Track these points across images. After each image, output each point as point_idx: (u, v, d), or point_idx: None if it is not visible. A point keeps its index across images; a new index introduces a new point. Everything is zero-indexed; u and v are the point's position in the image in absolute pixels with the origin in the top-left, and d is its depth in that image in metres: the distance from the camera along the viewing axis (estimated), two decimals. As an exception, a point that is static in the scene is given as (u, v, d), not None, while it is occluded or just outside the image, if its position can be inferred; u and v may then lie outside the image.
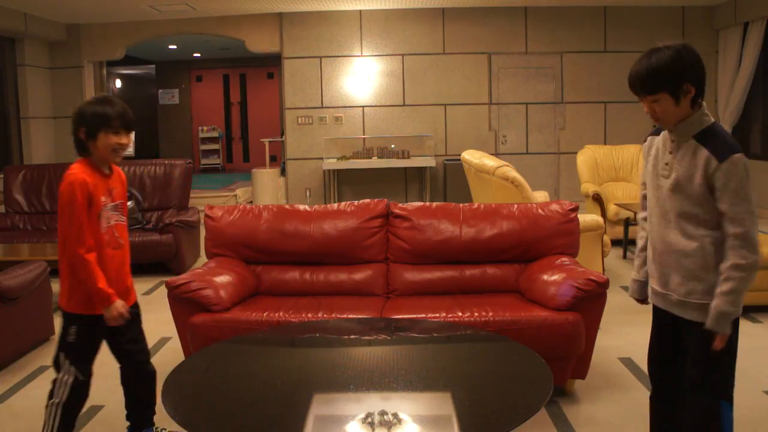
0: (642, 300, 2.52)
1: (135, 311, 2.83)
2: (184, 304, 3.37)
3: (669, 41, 2.17)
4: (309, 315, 3.34)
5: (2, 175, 7.40)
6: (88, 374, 2.71)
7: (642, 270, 2.48)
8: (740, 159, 2.09)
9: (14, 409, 3.44)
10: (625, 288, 5.50)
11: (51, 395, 2.66)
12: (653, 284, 2.39)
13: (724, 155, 2.09)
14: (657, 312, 2.44)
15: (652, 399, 2.52)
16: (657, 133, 2.35)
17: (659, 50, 2.14)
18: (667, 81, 2.11)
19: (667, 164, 2.23)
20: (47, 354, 4.25)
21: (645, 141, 2.40)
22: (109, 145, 2.59)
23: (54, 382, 2.67)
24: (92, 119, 2.57)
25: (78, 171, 2.58)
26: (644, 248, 2.45)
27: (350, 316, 3.33)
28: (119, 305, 2.62)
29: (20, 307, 4.12)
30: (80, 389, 2.66)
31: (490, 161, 5.38)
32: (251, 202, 9.79)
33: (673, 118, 2.17)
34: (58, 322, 4.64)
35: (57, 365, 2.68)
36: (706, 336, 2.16)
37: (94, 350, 2.75)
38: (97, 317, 2.65)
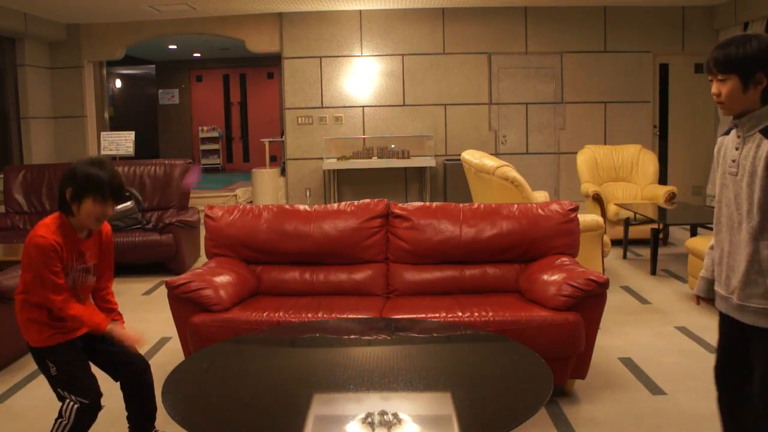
0: (708, 299, 2.44)
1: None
2: (184, 304, 3.37)
3: (758, 33, 2.15)
4: (309, 315, 3.34)
5: (2, 175, 7.40)
6: (92, 396, 2.62)
7: (710, 269, 2.41)
8: None
9: (14, 409, 3.44)
10: (626, 288, 5.50)
11: (60, 415, 2.63)
12: (717, 287, 2.33)
13: None
14: (720, 316, 2.36)
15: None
16: (728, 133, 2.28)
17: (746, 37, 2.11)
18: (741, 65, 2.08)
19: (734, 161, 2.16)
20: (47, 354, 4.25)
21: (716, 145, 2.34)
22: (92, 213, 2.50)
23: (61, 409, 2.63)
24: (83, 182, 2.47)
25: (49, 232, 2.47)
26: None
27: (350, 316, 3.33)
28: (114, 326, 2.65)
29: (20, 307, 4.12)
30: (86, 412, 2.61)
31: (490, 161, 5.38)
32: (251, 202, 9.79)
33: (737, 104, 2.13)
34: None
35: (59, 397, 2.65)
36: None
37: (84, 372, 2.65)
38: (65, 343, 2.62)
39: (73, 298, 2.57)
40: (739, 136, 2.17)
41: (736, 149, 2.16)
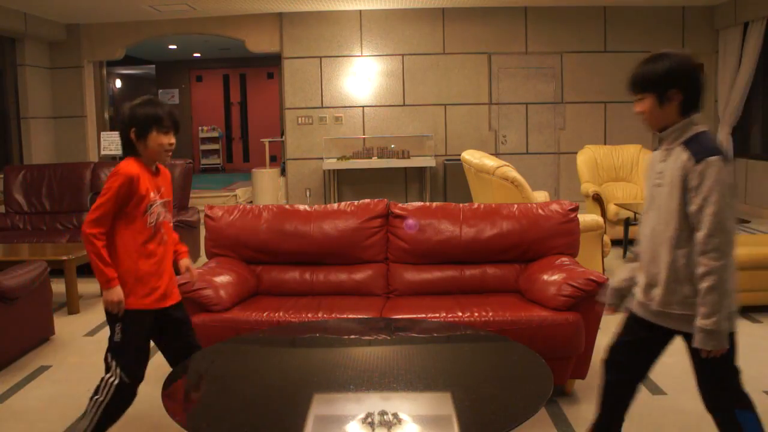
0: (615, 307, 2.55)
1: (179, 314, 2.80)
2: (184, 304, 3.37)
3: (673, 50, 2.24)
4: (309, 315, 3.34)
5: (2, 175, 7.40)
6: (135, 377, 2.67)
7: (623, 279, 2.52)
8: (716, 161, 2.09)
9: (14, 409, 3.44)
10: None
11: (96, 391, 2.65)
12: (637, 293, 2.41)
13: (700, 156, 2.11)
14: (630, 314, 2.48)
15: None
16: (658, 148, 2.37)
17: (659, 56, 2.23)
18: (655, 84, 2.20)
19: (660, 173, 2.26)
20: (47, 354, 4.25)
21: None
22: (160, 144, 2.64)
23: (101, 380, 2.66)
24: (143, 119, 2.61)
25: (126, 166, 2.60)
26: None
27: (350, 316, 3.33)
28: (120, 291, 2.59)
29: (20, 307, 4.12)
30: (124, 392, 2.64)
31: (490, 161, 5.38)
32: (251, 202, 9.79)
33: (656, 120, 2.24)
34: (59, 322, 4.66)
35: (106, 365, 2.67)
36: (695, 351, 2.21)
37: (142, 353, 2.70)
38: (145, 312, 2.65)
39: (152, 242, 2.67)
40: (664, 149, 2.26)
41: (662, 161, 2.26)
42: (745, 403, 2.29)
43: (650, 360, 2.48)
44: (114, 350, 2.65)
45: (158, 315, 2.72)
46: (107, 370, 2.66)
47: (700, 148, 2.13)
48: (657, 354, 2.46)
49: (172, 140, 2.68)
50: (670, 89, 2.17)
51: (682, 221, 2.16)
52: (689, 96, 2.18)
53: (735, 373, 2.30)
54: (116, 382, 2.63)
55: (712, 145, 2.13)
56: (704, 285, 2.11)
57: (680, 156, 2.16)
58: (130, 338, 2.65)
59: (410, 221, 3.55)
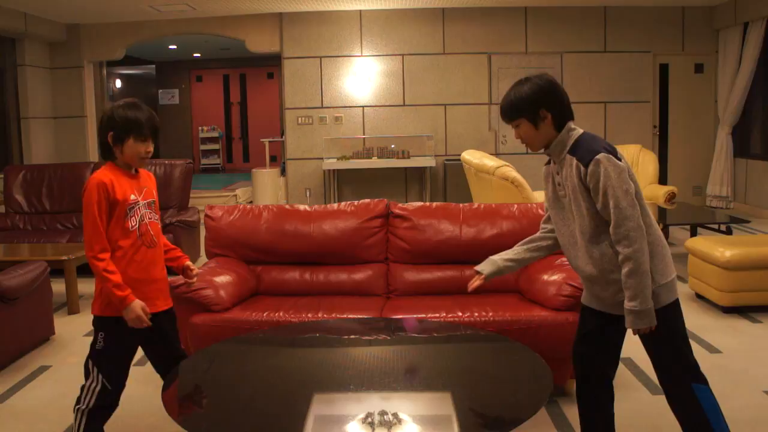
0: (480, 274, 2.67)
1: (165, 323, 2.73)
2: (184, 304, 3.37)
3: (531, 74, 2.39)
4: (309, 315, 3.34)
5: (2, 175, 7.40)
6: (117, 383, 2.63)
7: (508, 259, 2.70)
8: (602, 158, 2.20)
9: (14, 409, 3.44)
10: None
11: (78, 401, 2.61)
12: (588, 302, 2.51)
13: (587, 159, 2.23)
14: (583, 307, 2.55)
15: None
16: (549, 162, 2.48)
17: (520, 83, 2.36)
18: (524, 108, 2.33)
19: (559, 184, 2.38)
20: (47, 354, 4.25)
21: (543, 171, 2.53)
22: (136, 152, 2.57)
23: (82, 388, 2.62)
24: (122, 124, 2.53)
25: (99, 174, 2.53)
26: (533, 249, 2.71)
27: (350, 316, 3.33)
28: (137, 306, 2.53)
29: (20, 307, 4.12)
30: (107, 398, 2.59)
31: (490, 161, 5.38)
32: (251, 202, 9.79)
33: (537, 141, 2.37)
34: (59, 322, 4.66)
35: (86, 371, 2.62)
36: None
37: (124, 360, 2.66)
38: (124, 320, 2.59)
39: (141, 245, 2.62)
40: (555, 163, 2.39)
41: (557, 174, 2.38)
42: (699, 376, 2.35)
43: (610, 349, 2.53)
44: (96, 357, 2.60)
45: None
46: (87, 376, 2.61)
47: (585, 151, 2.25)
48: (614, 342, 2.51)
49: (150, 148, 2.59)
50: (539, 110, 2.31)
51: (595, 218, 2.27)
52: (557, 111, 2.33)
53: (686, 346, 2.37)
54: (98, 388, 2.58)
55: (595, 145, 2.26)
56: (624, 270, 2.22)
57: (571, 164, 2.29)
58: (112, 346, 2.60)
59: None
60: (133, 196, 2.58)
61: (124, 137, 2.54)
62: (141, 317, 2.54)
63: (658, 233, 2.33)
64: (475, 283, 2.66)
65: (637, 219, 2.20)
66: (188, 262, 2.89)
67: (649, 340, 2.36)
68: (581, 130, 2.35)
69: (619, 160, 2.23)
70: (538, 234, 2.70)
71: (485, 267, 2.70)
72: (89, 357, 2.63)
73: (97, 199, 2.49)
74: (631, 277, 2.21)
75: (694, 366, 2.36)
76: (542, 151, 2.39)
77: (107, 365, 2.60)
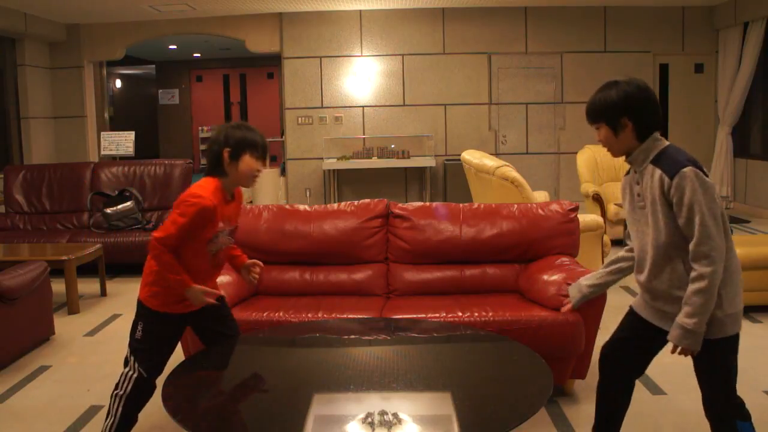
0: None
1: (221, 301, 2.85)
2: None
3: (624, 78, 2.31)
4: (309, 315, 3.34)
5: (2, 175, 7.40)
6: (153, 372, 2.70)
7: (591, 285, 2.83)
8: (689, 172, 2.15)
9: (14, 409, 3.44)
10: (626, 288, 5.49)
11: (116, 386, 2.70)
12: (643, 306, 2.48)
13: (673, 171, 2.17)
14: (631, 311, 2.54)
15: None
16: (629, 173, 2.45)
17: (608, 86, 2.31)
18: (605, 114, 2.30)
19: (638, 195, 2.33)
20: (47, 354, 4.25)
21: (621, 183, 2.50)
22: (252, 168, 2.63)
23: (121, 374, 2.70)
24: (240, 141, 2.61)
25: (206, 193, 2.55)
26: (616, 271, 2.66)
27: (350, 316, 3.33)
28: (198, 289, 2.60)
29: (20, 307, 4.12)
30: (143, 386, 2.67)
31: (490, 161, 5.38)
32: (251, 202, 9.79)
33: (615, 147, 2.34)
34: (59, 322, 4.66)
35: (125, 359, 2.71)
36: (709, 352, 2.23)
37: (162, 351, 2.73)
38: (169, 317, 2.67)
39: (208, 265, 2.69)
40: (636, 172, 2.34)
41: (637, 184, 2.34)
42: (745, 414, 2.32)
43: (646, 359, 2.54)
44: (134, 346, 2.69)
45: (190, 316, 2.74)
46: (125, 364, 2.70)
47: (671, 163, 2.20)
48: (653, 353, 2.51)
49: (262, 168, 2.68)
50: (621, 118, 2.26)
51: (674, 233, 2.22)
52: (640, 122, 2.26)
53: (735, 382, 2.33)
54: (135, 375, 2.66)
55: (681, 158, 2.20)
56: (693, 287, 2.17)
57: (654, 175, 2.23)
58: (150, 338, 2.68)
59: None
60: (221, 224, 2.64)
61: (242, 153, 2.60)
62: (207, 293, 2.63)
63: (736, 261, 2.27)
64: (566, 307, 3.04)
65: (720, 240, 2.15)
66: (247, 261, 2.95)
67: (705, 369, 2.30)
68: (667, 142, 2.29)
69: (706, 176, 2.18)
70: (620, 254, 2.63)
71: (573, 293, 2.96)
72: (129, 345, 2.71)
73: (197, 218, 2.52)
74: (697, 295, 2.15)
75: (741, 403, 2.33)
76: (624, 159, 2.36)
77: (144, 354, 2.67)
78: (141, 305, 2.71)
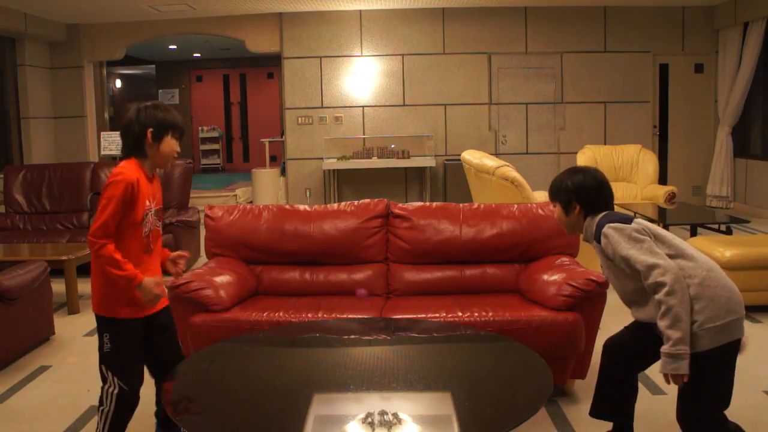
0: None
1: (167, 313, 2.79)
2: (184, 304, 3.37)
3: (586, 169, 2.60)
4: (309, 315, 3.34)
5: (2, 175, 7.40)
6: (133, 383, 2.65)
7: None
8: (607, 230, 2.41)
9: (14, 409, 3.44)
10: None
11: (100, 402, 2.64)
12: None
13: (598, 236, 2.46)
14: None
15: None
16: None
17: (572, 171, 2.60)
18: (560, 197, 2.59)
19: (600, 264, 2.61)
20: (47, 354, 4.25)
21: None
22: (172, 149, 2.65)
23: (102, 390, 2.65)
24: (162, 122, 2.60)
25: (127, 170, 2.54)
26: None
27: (350, 316, 3.33)
28: (150, 282, 2.56)
29: (20, 307, 4.12)
30: (127, 399, 2.63)
31: (490, 161, 5.38)
32: (251, 202, 9.79)
33: (567, 225, 2.64)
34: (59, 322, 4.66)
35: (102, 376, 2.65)
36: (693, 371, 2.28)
37: (135, 358, 2.67)
38: (132, 321, 2.62)
39: (140, 252, 2.63)
40: (597, 250, 2.57)
41: (597, 255, 2.60)
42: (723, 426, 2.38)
43: (648, 359, 2.59)
44: (106, 360, 2.62)
45: (145, 322, 2.68)
46: (104, 380, 2.64)
47: (597, 230, 2.47)
48: (658, 354, 2.48)
49: (178, 148, 2.69)
50: (572, 201, 2.55)
51: (633, 280, 2.41)
52: (587, 206, 2.54)
53: (723, 400, 2.37)
54: (116, 391, 2.60)
55: (605, 220, 2.45)
56: (658, 314, 2.28)
57: (597, 246, 2.51)
58: (119, 347, 2.61)
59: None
60: (147, 203, 2.61)
61: (164, 134, 2.60)
62: (158, 293, 2.59)
63: (710, 274, 2.33)
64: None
65: (662, 261, 2.28)
66: (171, 254, 2.86)
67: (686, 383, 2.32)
68: (602, 214, 2.51)
69: (628, 222, 2.40)
70: None
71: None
72: (100, 361, 2.64)
73: (126, 196, 2.50)
74: (663, 320, 2.26)
75: (723, 420, 2.37)
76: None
77: (118, 366, 2.61)
78: (100, 319, 2.63)
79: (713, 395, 2.35)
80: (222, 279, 3.53)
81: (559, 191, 2.58)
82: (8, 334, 4.03)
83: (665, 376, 2.28)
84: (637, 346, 2.61)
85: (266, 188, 9.51)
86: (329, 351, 2.94)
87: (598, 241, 2.45)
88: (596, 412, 2.73)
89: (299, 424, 2.08)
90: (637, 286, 2.39)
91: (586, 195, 2.53)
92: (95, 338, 4.48)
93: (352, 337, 3.10)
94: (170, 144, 2.63)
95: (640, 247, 2.32)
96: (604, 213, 2.51)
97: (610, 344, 2.71)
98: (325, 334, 3.12)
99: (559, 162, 9.49)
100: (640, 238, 2.34)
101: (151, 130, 2.58)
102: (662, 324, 2.25)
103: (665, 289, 2.24)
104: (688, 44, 9.38)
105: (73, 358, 4.15)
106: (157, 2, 8.30)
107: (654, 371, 3.70)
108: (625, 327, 2.72)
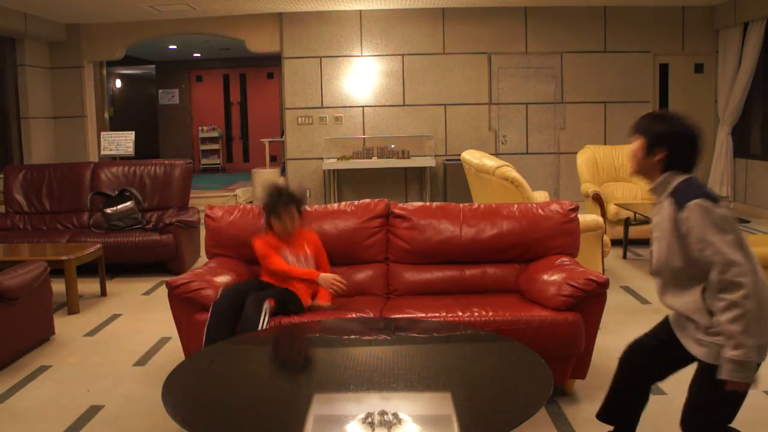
0: None
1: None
2: (184, 304, 3.37)
3: (684, 117, 2.33)
4: (309, 315, 3.34)
5: (2, 175, 7.40)
6: (227, 296, 3.26)
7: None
8: (696, 205, 2.15)
9: (14, 409, 3.44)
10: (626, 288, 5.50)
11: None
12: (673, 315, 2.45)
13: (683, 203, 2.18)
14: (667, 320, 2.47)
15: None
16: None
17: (672, 114, 2.34)
18: (650, 134, 2.31)
19: (657, 224, 2.34)
20: (47, 354, 4.25)
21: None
22: (278, 227, 3.54)
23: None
24: (267, 209, 3.57)
25: (260, 237, 3.60)
26: None
27: (350, 316, 3.33)
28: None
29: (20, 307, 4.12)
30: (216, 308, 3.20)
31: (490, 161, 5.38)
32: (251, 202, 9.79)
33: (638, 164, 2.36)
34: (59, 322, 4.66)
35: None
36: (711, 380, 2.18)
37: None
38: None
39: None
40: (655, 203, 2.37)
41: (656, 215, 2.36)
42: None
43: (667, 370, 2.51)
44: None
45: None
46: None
47: (683, 195, 2.20)
48: (675, 368, 2.49)
49: (287, 222, 3.50)
50: (657, 145, 2.28)
51: (687, 262, 2.22)
52: (673, 158, 2.28)
53: (733, 412, 2.30)
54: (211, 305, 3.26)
55: (695, 190, 2.20)
56: (726, 316, 2.10)
57: (667, 208, 2.25)
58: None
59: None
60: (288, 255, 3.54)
61: (270, 218, 3.56)
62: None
63: (764, 293, 2.15)
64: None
65: (742, 264, 2.09)
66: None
67: (702, 390, 2.26)
68: (689, 175, 2.28)
69: (717, 203, 2.16)
70: None
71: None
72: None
73: (263, 250, 3.55)
74: (735, 324, 2.08)
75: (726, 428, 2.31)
76: (648, 189, 2.39)
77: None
78: None
79: (727, 406, 2.28)
80: (222, 279, 3.53)
81: (650, 128, 2.31)
82: (8, 334, 4.02)
83: (727, 382, 2.13)
84: (658, 359, 2.49)
85: (266, 188, 9.49)
86: (329, 351, 2.94)
87: (678, 207, 2.19)
88: (604, 416, 2.64)
89: (299, 424, 2.08)
90: (690, 271, 2.21)
91: (679, 147, 2.27)
92: (95, 338, 4.51)
93: (352, 337, 3.10)
94: (275, 225, 3.53)
95: (723, 236, 2.11)
96: (688, 176, 2.27)
97: (630, 352, 2.56)
98: (325, 334, 3.12)
99: (559, 162, 9.49)
100: (726, 227, 2.13)
101: (266, 215, 3.58)
102: (733, 328, 2.08)
103: (743, 292, 2.07)
104: (688, 44, 9.38)
105: (73, 358, 4.15)
106: (157, 2, 8.30)
107: (654, 371, 3.70)
108: (645, 334, 2.55)
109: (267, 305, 3.21)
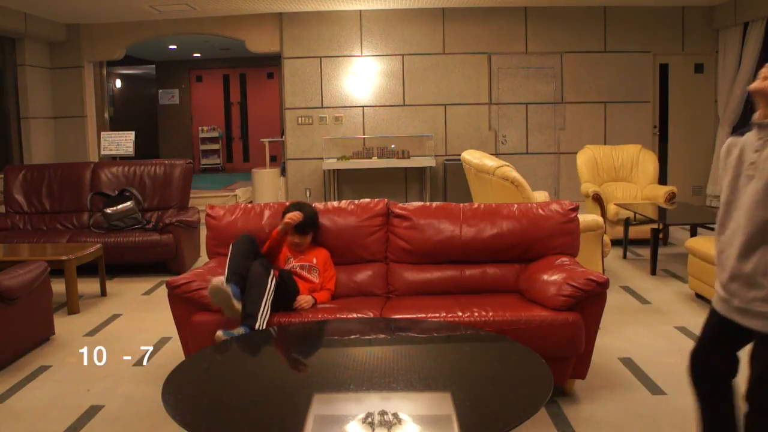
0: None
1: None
2: (184, 304, 3.38)
3: None
4: (309, 315, 3.34)
5: (2, 175, 7.40)
6: (245, 238, 3.50)
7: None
8: None
9: (14, 409, 3.44)
10: (626, 288, 5.50)
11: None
12: (718, 288, 2.23)
13: None
14: (712, 311, 2.30)
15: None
16: (741, 134, 2.18)
17: None
18: None
19: (753, 163, 2.05)
20: (47, 354, 4.25)
21: (724, 146, 2.19)
22: (290, 242, 3.76)
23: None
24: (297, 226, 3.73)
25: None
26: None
27: (350, 316, 3.33)
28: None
29: (20, 307, 4.12)
30: (235, 247, 3.43)
31: (490, 161, 5.38)
32: (251, 202, 9.79)
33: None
34: (59, 322, 4.66)
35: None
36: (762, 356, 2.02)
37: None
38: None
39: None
40: (760, 138, 2.07)
41: (756, 151, 2.06)
42: None
43: (734, 358, 2.29)
44: None
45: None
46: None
47: None
48: (738, 348, 2.26)
49: (295, 239, 3.71)
50: None
51: None
52: None
53: None
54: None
55: None
56: None
57: None
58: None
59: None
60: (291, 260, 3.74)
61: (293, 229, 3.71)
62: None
63: None
64: None
65: None
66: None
67: (765, 356, 2.05)
68: None
69: None
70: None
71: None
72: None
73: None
74: None
75: None
76: (754, 118, 2.10)
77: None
78: None
79: None
80: (222, 279, 3.52)
81: None
82: (8, 334, 4.02)
83: None
84: (722, 352, 2.28)
85: (266, 188, 9.51)
86: (329, 351, 2.94)
87: None
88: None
89: (299, 424, 2.08)
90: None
91: None
92: (95, 338, 4.51)
93: (352, 337, 3.10)
94: (293, 237, 3.73)
95: None
96: None
97: (695, 360, 2.33)
98: (325, 334, 3.12)
99: (559, 162, 9.49)
100: None
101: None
102: None
103: None
104: (688, 44, 9.38)
105: (73, 358, 4.15)
106: (157, 2, 8.30)
107: (654, 371, 3.71)
108: (701, 334, 2.35)
109: (273, 274, 3.36)
